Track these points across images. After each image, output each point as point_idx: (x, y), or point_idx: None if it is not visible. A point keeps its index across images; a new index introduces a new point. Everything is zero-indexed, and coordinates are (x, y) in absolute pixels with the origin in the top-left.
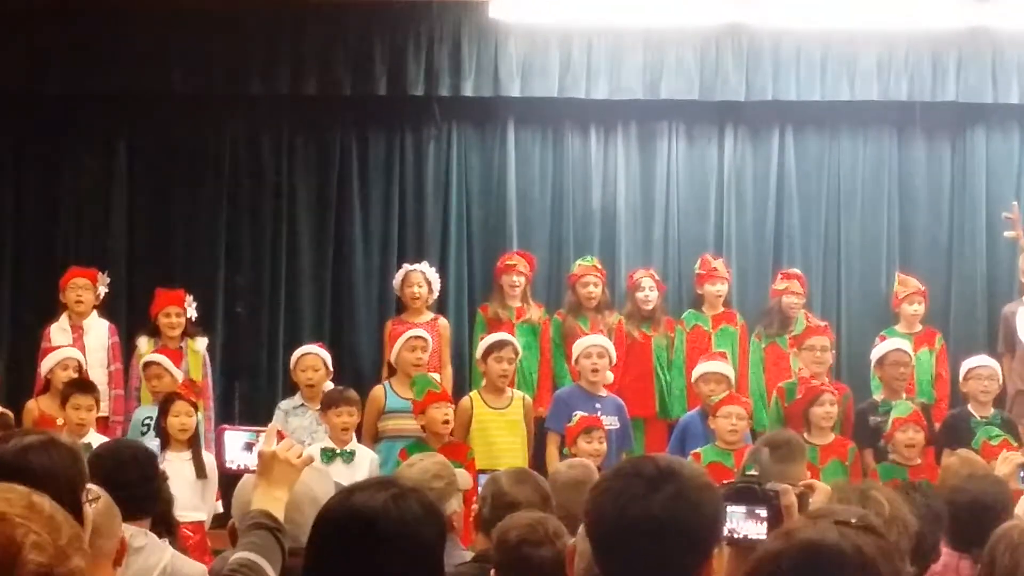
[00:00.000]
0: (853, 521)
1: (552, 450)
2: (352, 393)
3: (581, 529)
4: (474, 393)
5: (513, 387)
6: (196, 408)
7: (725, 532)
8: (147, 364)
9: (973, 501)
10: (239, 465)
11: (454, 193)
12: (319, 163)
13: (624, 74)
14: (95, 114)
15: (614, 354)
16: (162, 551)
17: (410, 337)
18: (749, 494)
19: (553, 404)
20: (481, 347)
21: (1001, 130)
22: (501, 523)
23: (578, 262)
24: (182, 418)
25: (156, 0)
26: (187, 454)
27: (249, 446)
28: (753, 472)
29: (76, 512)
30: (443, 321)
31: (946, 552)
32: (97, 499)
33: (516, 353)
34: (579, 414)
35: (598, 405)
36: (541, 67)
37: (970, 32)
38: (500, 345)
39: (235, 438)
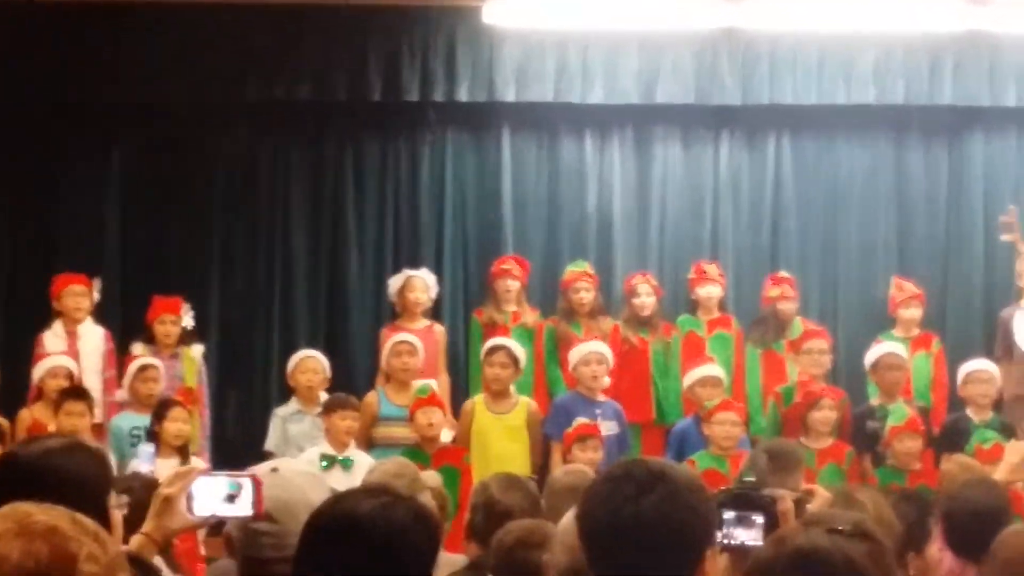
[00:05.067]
0: (847, 528)
1: (556, 457)
2: (354, 399)
3: (556, 540)
4: (478, 397)
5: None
6: (190, 415)
7: (722, 538)
8: (142, 367)
9: (973, 509)
10: (212, 513)
11: (449, 199)
12: (313, 169)
13: (619, 78)
14: (89, 121)
15: (611, 359)
16: None
17: (396, 343)
18: (746, 500)
19: (552, 411)
20: (482, 352)
21: (998, 133)
22: (500, 530)
23: (569, 267)
24: (179, 424)
25: (150, 8)
26: (175, 461)
27: (231, 497)
28: (750, 478)
29: (102, 516)
30: (439, 327)
31: (950, 558)
32: (126, 504)
33: (513, 358)
34: (579, 420)
35: (598, 411)
36: (536, 72)
37: (967, 35)
38: (493, 350)
39: (209, 485)
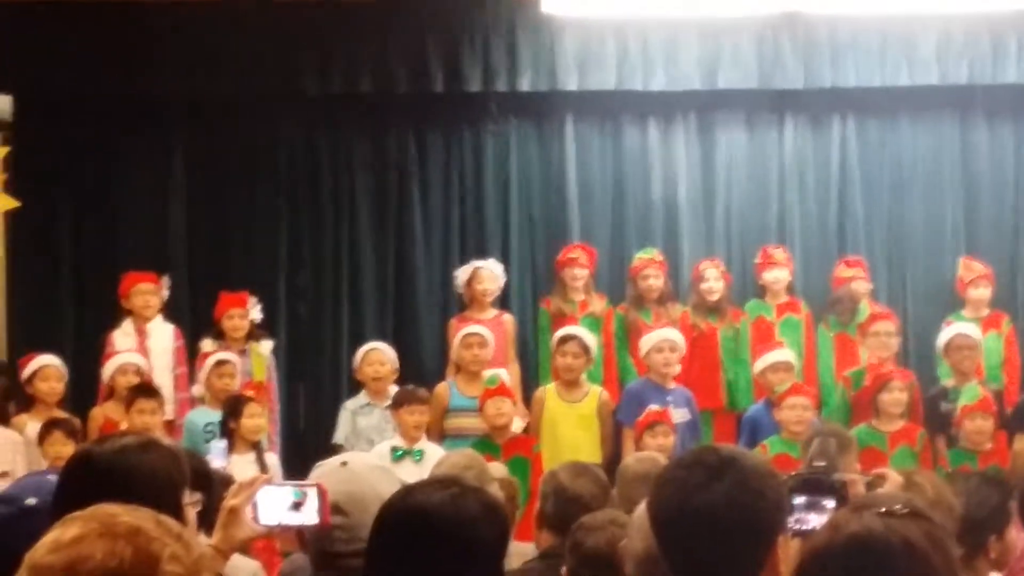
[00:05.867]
0: (899, 509)
1: (628, 445)
2: (423, 392)
3: (632, 526)
4: (549, 386)
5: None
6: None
7: (793, 523)
8: (218, 362)
9: None
10: (278, 522)
11: (514, 189)
12: (377, 162)
13: (681, 65)
14: (151, 119)
15: (683, 346)
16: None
17: (466, 334)
18: (817, 485)
19: (624, 398)
20: (553, 341)
21: None
22: (574, 525)
23: (637, 255)
24: (255, 420)
25: (210, 3)
26: (251, 456)
27: (297, 505)
28: (821, 463)
29: (177, 514)
30: (508, 317)
31: None
32: (199, 501)
33: (585, 347)
34: (650, 408)
35: (669, 398)
36: (597, 60)
37: None
38: (564, 340)
39: (274, 494)
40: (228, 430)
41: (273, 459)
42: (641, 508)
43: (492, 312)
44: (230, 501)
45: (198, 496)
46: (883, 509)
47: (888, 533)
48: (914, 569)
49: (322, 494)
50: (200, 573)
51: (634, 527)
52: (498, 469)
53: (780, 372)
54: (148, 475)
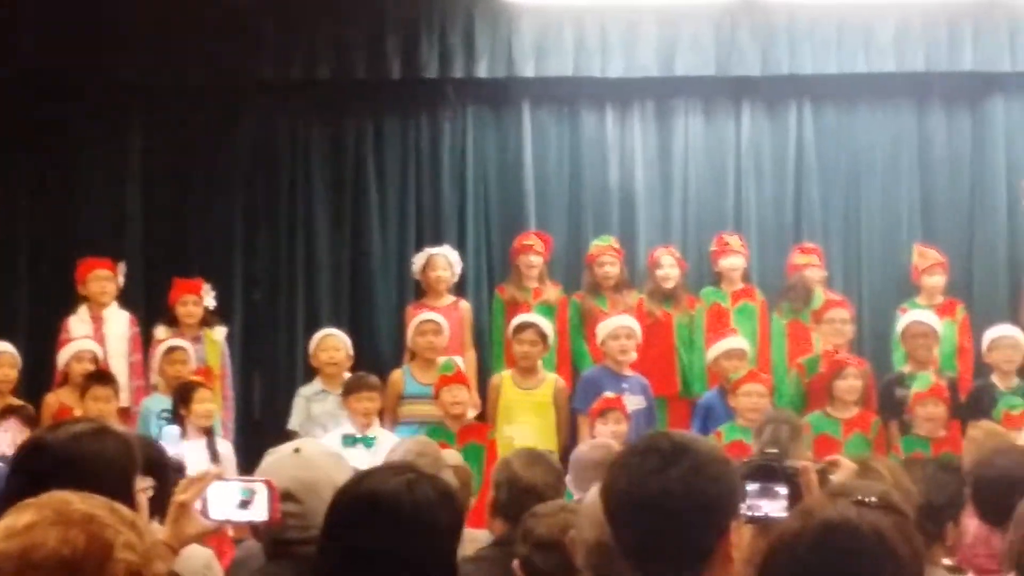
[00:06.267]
0: (872, 500)
1: (584, 432)
2: (373, 379)
3: (582, 515)
4: (505, 373)
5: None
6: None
7: (745, 510)
8: (170, 349)
9: (1001, 475)
10: (227, 518)
11: (471, 175)
12: (334, 148)
13: (639, 51)
14: (107, 105)
15: (640, 333)
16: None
17: (421, 321)
18: (769, 471)
19: (580, 385)
20: (509, 329)
21: (1019, 98)
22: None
23: (594, 242)
24: (205, 405)
25: None
26: (203, 442)
27: (245, 504)
28: (773, 450)
29: (129, 500)
30: (465, 304)
31: (976, 526)
32: (152, 488)
33: (542, 335)
34: (605, 394)
35: (625, 385)
36: (555, 47)
37: (985, 1)
38: (521, 327)
39: (223, 490)
40: (179, 416)
41: (227, 446)
42: (590, 497)
43: (448, 299)
44: (179, 496)
45: (150, 482)
46: (857, 498)
47: (860, 521)
48: (882, 558)
49: (271, 490)
50: (153, 561)
51: (584, 516)
52: (452, 456)
53: (734, 359)
54: (101, 462)
